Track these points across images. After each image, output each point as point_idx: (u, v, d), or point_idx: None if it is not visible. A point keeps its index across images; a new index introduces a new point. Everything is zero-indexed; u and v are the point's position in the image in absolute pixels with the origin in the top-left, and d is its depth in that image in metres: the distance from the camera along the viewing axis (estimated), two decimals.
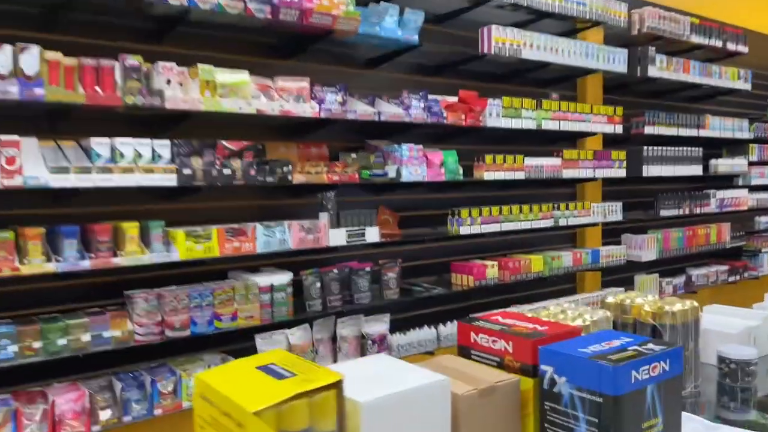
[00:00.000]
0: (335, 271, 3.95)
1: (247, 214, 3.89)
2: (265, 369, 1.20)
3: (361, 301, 3.99)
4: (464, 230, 4.46)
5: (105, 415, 3.06)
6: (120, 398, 3.11)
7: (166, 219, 3.37)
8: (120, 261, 3.06)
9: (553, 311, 2.30)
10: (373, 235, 3.98)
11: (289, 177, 3.61)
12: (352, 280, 3.98)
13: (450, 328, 4.44)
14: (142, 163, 3.15)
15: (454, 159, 4.43)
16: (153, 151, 3.20)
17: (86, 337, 3.01)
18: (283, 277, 3.64)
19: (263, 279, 3.58)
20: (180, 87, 3.27)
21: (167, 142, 3.24)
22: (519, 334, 1.55)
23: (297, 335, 3.76)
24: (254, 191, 3.96)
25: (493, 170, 4.60)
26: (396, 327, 4.35)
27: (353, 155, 4.13)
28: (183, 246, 3.26)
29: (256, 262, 3.87)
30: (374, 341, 4.03)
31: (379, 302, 4.09)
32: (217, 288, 3.40)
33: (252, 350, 3.63)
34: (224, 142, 3.40)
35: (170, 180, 3.21)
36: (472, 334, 1.70)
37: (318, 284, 3.84)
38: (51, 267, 2.88)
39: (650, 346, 1.41)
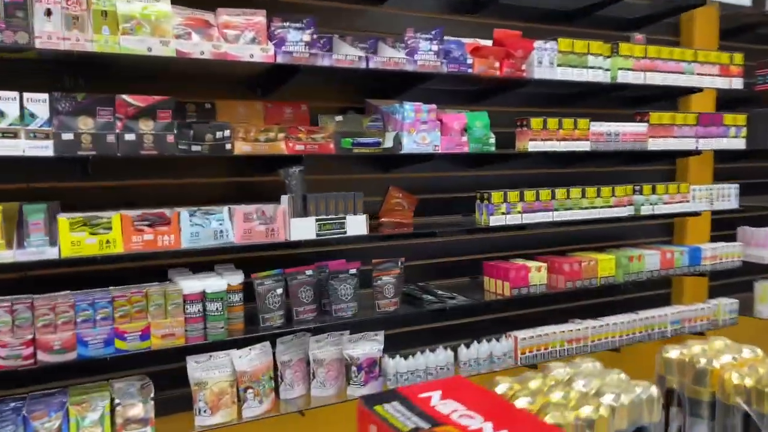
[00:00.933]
0: (308, 273, 2.95)
1: (197, 197, 2.97)
2: None
3: (341, 314, 2.96)
4: (496, 220, 3.28)
5: None
6: None
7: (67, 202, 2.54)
8: None
9: (556, 378, 1.39)
10: (357, 226, 2.92)
11: (228, 146, 2.63)
12: (330, 286, 2.96)
13: (475, 350, 3.32)
14: (4, 124, 2.30)
15: (483, 123, 3.25)
16: (22, 108, 2.34)
17: None
18: (220, 282, 2.68)
19: (191, 284, 2.65)
20: (70, 21, 2.37)
21: (44, 96, 2.36)
22: None
23: (248, 358, 2.81)
24: (213, 167, 3.03)
25: (542, 139, 3.37)
26: (396, 345, 3.30)
27: (338, 118, 3.08)
28: (67, 238, 2.39)
29: (187, 259, 2.95)
30: (360, 367, 3.00)
31: (368, 315, 3.04)
32: (120, 296, 2.51)
33: (178, 374, 2.73)
34: (126, 97, 2.47)
35: (43, 148, 2.33)
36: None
37: (279, 291, 2.85)
38: None
39: None
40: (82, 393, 2.61)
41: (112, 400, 2.55)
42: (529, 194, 3.37)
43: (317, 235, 2.84)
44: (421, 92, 3.28)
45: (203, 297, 2.64)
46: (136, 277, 2.71)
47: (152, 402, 2.60)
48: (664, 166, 4.38)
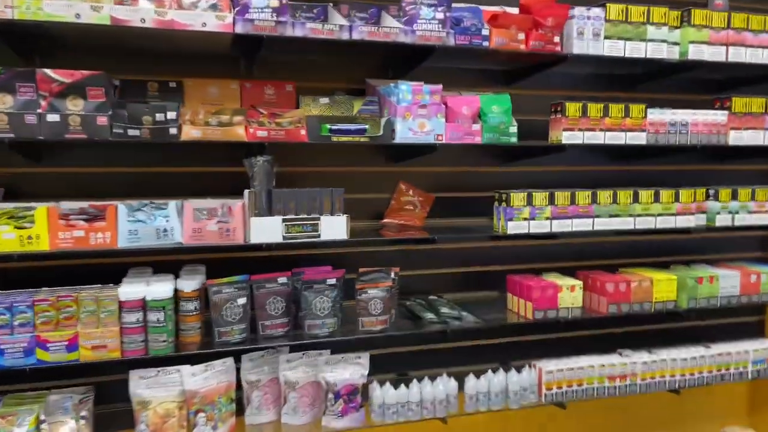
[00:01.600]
0: (280, 281, 2.52)
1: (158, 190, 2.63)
2: None
3: (315, 331, 2.51)
4: (517, 227, 2.69)
5: None
6: None
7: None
8: None
9: None
10: (334, 228, 2.45)
11: (172, 130, 2.24)
12: (303, 298, 2.52)
13: (486, 382, 2.76)
14: None
15: (503, 108, 2.67)
16: None
17: None
18: (163, 288, 2.31)
19: (131, 289, 2.29)
20: None
21: None
22: None
23: (202, 377, 2.43)
24: (214, 154, 2.67)
25: (581, 128, 2.74)
26: (387, 366, 2.82)
27: (324, 100, 2.61)
28: None
29: (153, 257, 2.61)
30: (338, 395, 2.54)
31: (350, 334, 2.57)
32: (42, 300, 2.19)
33: (117, 387, 2.40)
34: (48, 71, 2.14)
35: None
36: None
37: (241, 301, 2.44)
38: None
39: None
40: (16, 403, 2.34)
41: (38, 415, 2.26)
42: (561, 196, 2.75)
43: (284, 237, 2.39)
44: (436, 71, 2.77)
45: (143, 305, 2.28)
46: (93, 277, 2.41)
47: (84, 421, 2.29)
48: (753, 166, 3.55)
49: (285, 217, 2.40)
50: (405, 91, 2.50)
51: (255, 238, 2.36)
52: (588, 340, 3.23)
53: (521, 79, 2.97)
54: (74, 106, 2.16)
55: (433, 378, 2.72)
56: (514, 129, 2.65)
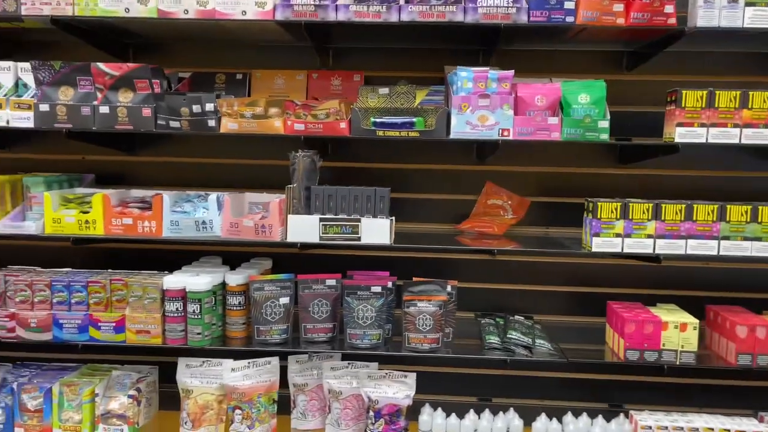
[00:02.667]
0: (328, 282, 2.37)
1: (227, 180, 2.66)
2: None
3: (355, 342, 2.31)
4: (604, 244, 2.19)
5: None
6: None
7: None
8: None
9: None
10: (375, 231, 2.22)
11: (211, 122, 2.21)
12: (345, 305, 2.33)
13: (559, 427, 2.31)
14: (1, 95, 2.29)
15: (594, 98, 2.17)
16: (17, 79, 2.30)
17: None
18: (202, 281, 2.29)
19: (176, 279, 2.32)
20: None
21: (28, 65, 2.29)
22: None
23: (242, 373, 2.39)
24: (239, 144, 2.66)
25: (701, 123, 2.13)
26: (444, 386, 2.52)
27: (383, 90, 2.39)
28: (50, 215, 2.29)
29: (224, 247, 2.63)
30: (379, 414, 2.32)
31: (395, 349, 2.33)
32: (94, 281, 2.33)
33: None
34: (101, 65, 2.24)
35: (25, 119, 2.25)
36: None
37: (283, 301, 2.34)
38: None
39: None
40: (88, 374, 2.54)
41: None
42: (670, 209, 2.17)
43: (321, 238, 2.24)
44: (540, 55, 2.40)
45: (184, 295, 2.30)
46: (179, 261, 2.53)
47: (131, 399, 2.40)
48: None
49: (322, 216, 2.24)
50: (464, 78, 2.17)
51: (291, 237, 2.24)
52: (706, 388, 2.56)
53: (644, 62, 2.42)
54: (125, 98, 2.24)
55: (495, 411, 2.35)
56: (605, 124, 2.14)
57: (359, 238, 2.23)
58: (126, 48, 2.65)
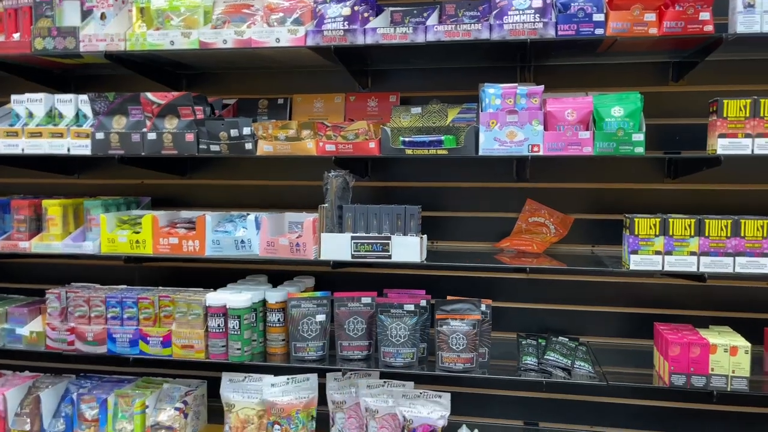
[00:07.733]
0: (364, 300, 2.40)
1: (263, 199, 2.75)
2: None
3: (388, 360, 2.32)
4: (642, 262, 2.09)
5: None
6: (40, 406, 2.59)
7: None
8: (27, 246, 2.50)
9: None
10: (405, 249, 2.23)
11: (248, 145, 2.31)
12: (378, 322, 2.35)
13: None
14: (63, 124, 2.49)
15: (628, 111, 2.10)
16: (78, 110, 2.50)
17: None
18: (241, 298, 2.37)
19: (218, 296, 2.42)
20: (107, 20, 2.44)
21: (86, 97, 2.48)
22: None
23: (281, 388, 2.45)
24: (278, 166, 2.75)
25: (746, 134, 2.01)
26: (484, 407, 2.45)
27: (415, 109, 2.41)
28: (105, 235, 2.46)
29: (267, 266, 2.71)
30: None
31: (428, 368, 2.31)
32: (143, 298, 2.46)
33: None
34: (149, 94, 2.39)
35: (84, 147, 2.44)
36: None
37: (320, 318, 2.39)
38: None
39: None
40: (142, 387, 2.68)
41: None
42: (715, 225, 2.05)
43: (353, 256, 2.27)
44: (576, 69, 2.36)
45: (225, 312, 2.39)
46: (229, 278, 2.67)
47: (177, 411, 2.50)
48: None
49: (354, 234, 2.27)
50: (492, 95, 2.16)
51: (325, 255, 2.29)
52: (761, 417, 2.36)
53: (687, 72, 2.33)
54: (170, 125, 2.38)
55: None
56: (639, 137, 2.06)
57: (390, 256, 2.25)
58: (179, 79, 2.82)
